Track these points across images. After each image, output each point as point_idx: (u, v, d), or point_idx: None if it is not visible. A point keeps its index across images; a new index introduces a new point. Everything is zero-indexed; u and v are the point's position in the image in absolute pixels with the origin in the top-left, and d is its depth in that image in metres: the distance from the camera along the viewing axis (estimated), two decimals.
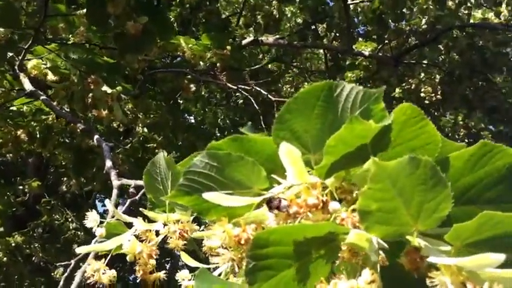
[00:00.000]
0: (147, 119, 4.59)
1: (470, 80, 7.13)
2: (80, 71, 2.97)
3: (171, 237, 1.05)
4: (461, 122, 7.59)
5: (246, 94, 4.30)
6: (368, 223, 0.62)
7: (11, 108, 3.62)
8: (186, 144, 5.08)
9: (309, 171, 0.75)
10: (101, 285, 1.08)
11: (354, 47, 6.18)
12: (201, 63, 4.13)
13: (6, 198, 5.14)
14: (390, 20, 6.76)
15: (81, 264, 1.67)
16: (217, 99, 7.70)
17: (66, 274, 1.58)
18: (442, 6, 6.62)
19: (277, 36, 6.20)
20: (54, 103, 3.03)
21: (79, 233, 5.89)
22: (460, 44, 6.89)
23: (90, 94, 2.94)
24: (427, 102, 6.77)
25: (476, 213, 0.62)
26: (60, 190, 5.61)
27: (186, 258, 1.04)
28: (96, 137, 2.37)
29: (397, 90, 6.96)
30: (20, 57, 2.99)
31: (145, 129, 4.75)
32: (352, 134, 0.68)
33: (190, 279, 0.98)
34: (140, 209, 1.15)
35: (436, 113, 7.45)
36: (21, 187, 5.44)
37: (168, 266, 7.89)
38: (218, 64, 4.20)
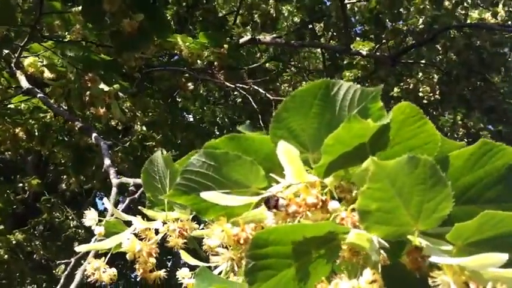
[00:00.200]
0: (146, 117, 4.58)
1: (468, 80, 7.13)
2: (77, 69, 2.95)
3: (170, 236, 1.05)
4: (460, 122, 7.60)
5: (244, 93, 4.29)
6: (368, 223, 0.61)
7: (9, 106, 3.61)
8: (185, 143, 5.07)
9: (307, 171, 0.75)
10: (102, 284, 1.08)
11: (351, 46, 6.18)
12: (199, 61, 4.12)
13: (6, 196, 5.13)
14: (387, 20, 6.76)
15: (82, 262, 1.67)
16: (216, 98, 7.69)
17: (66, 272, 1.58)
18: (439, 6, 6.62)
19: (275, 35, 6.19)
20: (52, 101, 3.02)
21: (79, 230, 5.89)
22: (457, 44, 6.89)
23: (88, 92, 2.92)
24: (425, 101, 6.77)
25: (477, 213, 0.61)
26: (60, 188, 5.60)
27: (185, 257, 1.04)
28: (94, 135, 2.37)
29: (395, 89, 6.96)
30: (16, 55, 2.97)
31: (144, 128, 4.74)
32: (350, 133, 0.68)
33: (190, 278, 0.98)
34: (139, 207, 1.15)
35: (434, 113, 7.45)
36: (20, 185, 5.43)
37: (169, 264, 7.88)
38: (216, 63, 4.19)
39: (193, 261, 1.01)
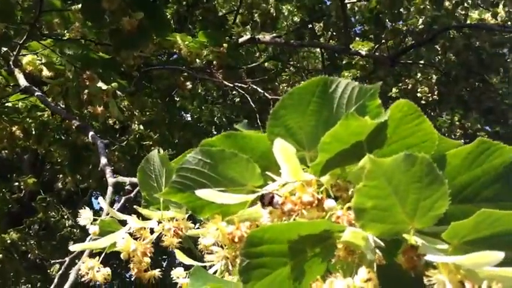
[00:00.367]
0: (143, 116, 4.57)
1: (466, 80, 7.13)
2: (75, 67, 2.95)
3: (165, 235, 1.04)
4: (457, 123, 7.60)
5: (243, 92, 4.28)
6: (363, 221, 0.61)
7: (6, 104, 3.60)
8: (182, 142, 5.05)
9: (304, 169, 0.74)
10: (96, 284, 1.07)
11: (350, 46, 6.17)
12: (198, 60, 4.11)
13: (2, 195, 5.12)
14: (387, 20, 6.75)
15: (76, 261, 1.66)
16: (214, 97, 7.68)
17: (60, 272, 1.57)
18: (439, 6, 6.62)
19: (274, 34, 6.18)
20: (49, 99, 3.01)
21: (75, 230, 5.88)
22: (456, 44, 6.89)
23: (86, 90, 2.92)
24: (423, 102, 6.77)
25: (474, 212, 0.61)
26: (56, 187, 5.58)
27: (180, 256, 1.03)
28: (91, 133, 2.36)
29: (394, 89, 6.96)
30: (14, 53, 2.96)
31: (141, 127, 4.73)
32: (347, 131, 0.67)
33: (185, 277, 0.97)
34: (134, 206, 1.14)
35: (432, 113, 7.45)
36: (16, 184, 5.42)
37: (164, 264, 7.87)
38: (214, 62, 4.18)
39: (188, 261, 1.01)
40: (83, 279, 1.06)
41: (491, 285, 0.54)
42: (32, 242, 5.21)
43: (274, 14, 6.30)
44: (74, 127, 2.73)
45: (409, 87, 7.02)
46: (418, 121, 0.71)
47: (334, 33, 7.32)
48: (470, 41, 6.88)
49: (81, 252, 1.50)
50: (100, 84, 2.89)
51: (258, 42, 5.80)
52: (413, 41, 6.91)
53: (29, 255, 5.30)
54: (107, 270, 1.06)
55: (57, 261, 1.58)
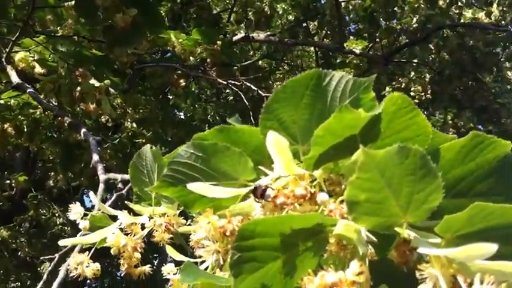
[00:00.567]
0: (136, 114, 4.55)
1: (460, 79, 7.15)
2: (68, 64, 2.93)
3: (156, 231, 1.03)
4: (450, 122, 7.62)
5: (236, 89, 4.28)
6: (356, 214, 0.60)
7: None
8: (175, 140, 5.03)
9: (297, 164, 0.74)
10: (86, 282, 1.06)
11: (345, 45, 6.17)
12: (191, 58, 4.10)
13: None
14: (381, 19, 6.76)
15: (66, 258, 1.64)
16: (207, 96, 7.67)
17: (50, 268, 1.56)
18: (433, 5, 6.64)
19: (269, 33, 6.18)
20: (41, 96, 2.99)
21: (66, 228, 5.84)
22: (450, 43, 6.91)
23: (78, 87, 2.90)
24: (416, 101, 6.78)
25: (467, 207, 0.60)
26: (47, 185, 5.55)
27: (172, 252, 1.02)
28: (83, 130, 2.34)
29: (387, 88, 6.97)
30: (7, 49, 2.94)
31: (134, 125, 4.71)
32: (341, 124, 0.67)
33: (176, 273, 0.96)
34: (126, 202, 1.13)
35: (425, 112, 7.46)
36: (8, 181, 5.38)
37: (156, 262, 7.85)
38: (208, 60, 4.17)
39: (179, 257, 1.00)
40: (71, 275, 1.04)
41: (484, 279, 0.53)
42: (22, 240, 5.18)
43: (269, 13, 6.30)
44: (66, 124, 2.72)
45: (402, 86, 7.04)
46: (412, 114, 0.70)
47: (329, 32, 7.32)
48: (464, 40, 6.90)
49: (71, 250, 1.49)
50: (93, 81, 2.88)
51: (252, 40, 5.80)
52: (407, 40, 6.93)
53: (19, 253, 5.27)
54: (97, 266, 1.05)
55: (47, 257, 1.56)
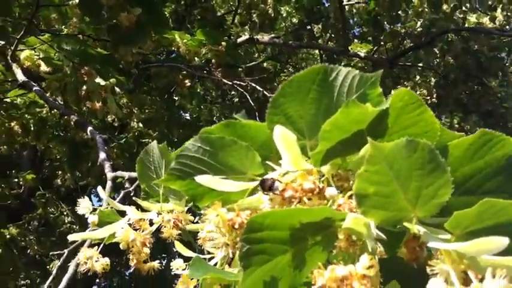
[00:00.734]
0: (142, 114, 4.56)
1: (465, 84, 7.13)
2: (73, 63, 2.93)
3: (165, 227, 1.03)
4: (456, 125, 7.60)
5: (242, 90, 4.28)
6: (365, 207, 0.60)
7: (5, 100, 3.59)
8: (181, 140, 5.04)
9: (305, 160, 0.74)
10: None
11: (349, 48, 6.17)
12: (196, 59, 4.10)
13: (1, 190, 5.10)
14: (386, 22, 6.76)
15: (76, 254, 1.65)
16: (213, 97, 7.67)
17: (59, 263, 1.56)
18: (437, 9, 6.63)
19: (273, 35, 6.18)
20: (47, 95, 3.00)
21: (74, 226, 5.84)
22: (455, 47, 6.90)
23: (84, 86, 2.90)
24: None
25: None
26: (55, 184, 5.56)
27: (180, 248, 1.02)
28: (89, 128, 2.35)
29: (393, 92, 6.94)
30: (12, 48, 2.95)
31: (140, 125, 4.72)
32: (348, 119, 0.67)
33: (184, 269, 0.96)
34: (134, 198, 1.13)
35: None
36: (16, 180, 5.40)
37: (164, 262, 7.84)
38: (213, 60, 4.17)
39: (187, 253, 1.00)
40: (81, 269, 1.05)
41: (496, 272, 0.53)
42: (31, 238, 5.19)
43: (273, 15, 6.30)
44: (72, 122, 2.72)
45: None
46: (420, 111, 0.70)
47: (333, 35, 7.31)
48: (469, 44, 6.89)
49: (81, 245, 1.49)
50: (98, 80, 2.88)
51: (256, 42, 5.80)
52: (412, 44, 6.92)
53: (29, 251, 5.28)
54: (106, 260, 1.05)
55: (56, 252, 1.56)
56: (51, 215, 5.74)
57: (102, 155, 2.06)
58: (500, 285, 0.51)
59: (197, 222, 1.06)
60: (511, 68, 7.87)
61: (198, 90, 6.79)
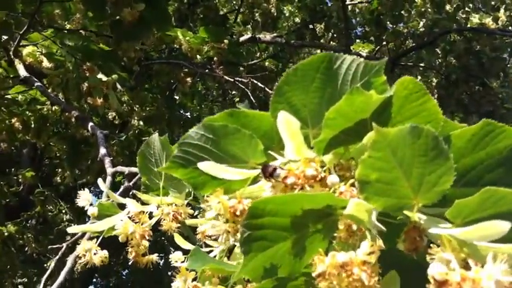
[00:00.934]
0: (143, 111, 4.55)
1: (466, 84, 7.12)
2: (76, 58, 2.93)
3: (164, 220, 1.03)
4: None
5: (243, 87, 4.27)
6: (367, 193, 0.60)
7: (6, 96, 3.59)
8: None
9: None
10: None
11: (351, 47, 6.16)
12: (198, 56, 4.10)
13: (0, 188, 5.09)
14: (388, 22, 6.76)
15: (74, 248, 1.64)
16: (214, 96, 7.67)
17: (57, 257, 1.56)
18: (440, 9, 6.62)
19: (275, 34, 6.18)
20: (49, 90, 2.99)
21: (72, 224, 5.83)
22: (457, 48, 6.89)
23: (85, 82, 2.90)
24: None
25: None
26: (55, 181, 5.55)
27: (180, 241, 1.02)
28: (90, 124, 2.34)
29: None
30: (15, 43, 2.95)
31: (141, 123, 4.71)
32: (352, 107, 0.66)
33: (183, 261, 0.96)
34: (134, 191, 1.13)
35: None
36: (15, 177, 5.39)
37: (161, 263, 7.85)
38: (215, 58, 4.17)
39: (187, 246, 1.00)
40: (79, 261, 1.04)
41: (497, 258, 0.53)
42: (29, 236, 5.18)
43: (275, 14, 6.30)
44: (73, 118, 2.72)
45: None
46: (423, 100, 0.70)
47: (335, 35, 7.31)
48: (471, 44, 6.88)
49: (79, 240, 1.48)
50: (100, 75, 2.88)
51: (258, 41, 5.80)
52: (414, 44, 6.91)
53: (26, 249, 5.28)
54: (105, 253, 1.05)
55: (54, 246, 1.56)
56: (50, 213, 5.73)
57: (103, 151, 2.06)
58: (501, 269, 0.51)
59: (196, 217, 1.06)
60: None
61: (199, 89, 6.78)
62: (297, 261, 0.65)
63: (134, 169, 1.75)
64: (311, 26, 7.06)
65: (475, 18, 7.25)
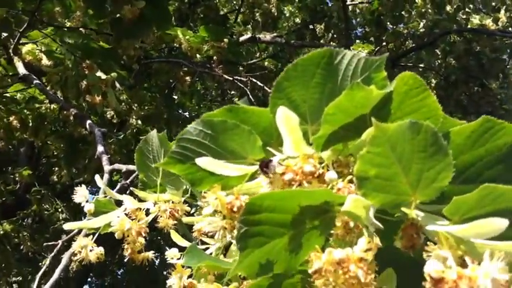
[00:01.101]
0: (142, 110, 4.54)
1: (466, 85, 7.13)
2: (75, 56, 2.93)
3: (161, 216, 1.02)
4: None
5: (242, 86, 4.27)
6: (365, 189, 0.59)
7: (5, 94, 3.58)
8: None
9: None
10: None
11: (351, 48, 6.16)
12: (198, 55, 4.09)
13: None
14: (388, 23, 6.76)
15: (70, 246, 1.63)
16: (213, 96, 7.66)
17: (52, 254, 1.55)
18: (441, 10, 6.62)
19: (275, 34, 6.17)
20: (48, 88, 2.99)
21: None
22: (457, 48, 6.90)
23: (84, 80, 2.89)
24: None
25: None
26: (51, 180, 5.54)
27: (176, 238, 1.02)
28: (88, 122, 2.34)
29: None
30: (14, 41, 2.94)
31: (139, 122, 4.70)
32: (352, 102, 0.66)
33: (179, 258, 0.96)
34: (131, 188, 1.13)
35: None
36: (12, 176, 5.38)
37: (157, 262, 7.84)
38: (215, 57, 4.17)
39: (183, 243, 0.99)
40: (75, 258, 1.03)
41: (494, 255, 0.52)
42: (25, 234, 5.16)
43: (276, 14, 6.29)
44: (71, 116, 2.71)
45: None
46: (423, 95, 0.69)
47: (335, 35, 7.31)
48: (471, 45, 6.88)
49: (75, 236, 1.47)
50: (99, 73, 2.87)
51: (258, 41, 5.79)
52: (414, 44, 6.92)
53: (21, 248, 5.26)
54: (100, 250, 1.04)
55: (50, 243, 1.55)
56: (46, 212, 5.71)
57: (100, 148, 2.06)
58: (498, 267, 0.50)
59: (193, 215, 1.06)
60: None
61: (198, 89, 6.77)
62: (293, 258, 0.64)
63: (132, 167, 1.74)
64: (311, 26, 7.06)
65: (475, 19, 7.25)
